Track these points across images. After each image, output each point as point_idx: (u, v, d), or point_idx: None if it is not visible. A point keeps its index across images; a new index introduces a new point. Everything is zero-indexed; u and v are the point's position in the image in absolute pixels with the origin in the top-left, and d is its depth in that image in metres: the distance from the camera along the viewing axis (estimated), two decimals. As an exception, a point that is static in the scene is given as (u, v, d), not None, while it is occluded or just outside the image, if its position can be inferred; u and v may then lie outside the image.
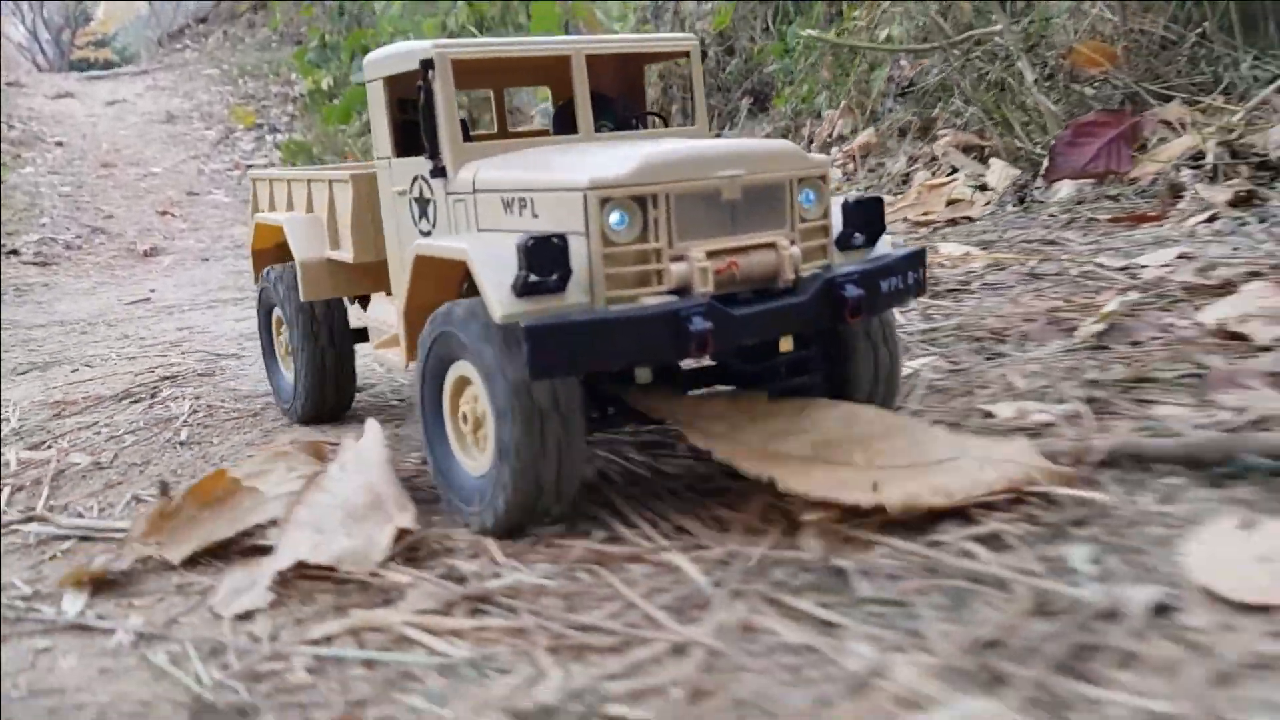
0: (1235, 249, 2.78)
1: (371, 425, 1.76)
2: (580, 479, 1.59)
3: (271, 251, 2.53)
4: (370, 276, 2.21)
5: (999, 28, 4.37)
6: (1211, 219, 3.17)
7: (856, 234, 1.72)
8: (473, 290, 1.63)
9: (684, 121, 5.47)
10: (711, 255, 1.53)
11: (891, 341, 1.83)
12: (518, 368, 1.49)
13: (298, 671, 1.21)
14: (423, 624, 1.29)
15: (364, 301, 2.46)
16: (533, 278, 1.45)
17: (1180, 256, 2.77)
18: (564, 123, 1.98)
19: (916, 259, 1.72)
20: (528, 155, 1.75)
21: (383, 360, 2.10)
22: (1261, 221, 3.06)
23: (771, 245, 1.58)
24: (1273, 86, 3.62)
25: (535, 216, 1.60)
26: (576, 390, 1.55)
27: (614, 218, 1.49)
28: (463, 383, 1.64)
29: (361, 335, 2.40)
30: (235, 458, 2.16)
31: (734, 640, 1.19)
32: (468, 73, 1.86)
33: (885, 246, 1.75)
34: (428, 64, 1.75)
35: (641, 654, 1.18)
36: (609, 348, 1.44)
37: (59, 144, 10.13)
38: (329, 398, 2.38)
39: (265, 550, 1.52)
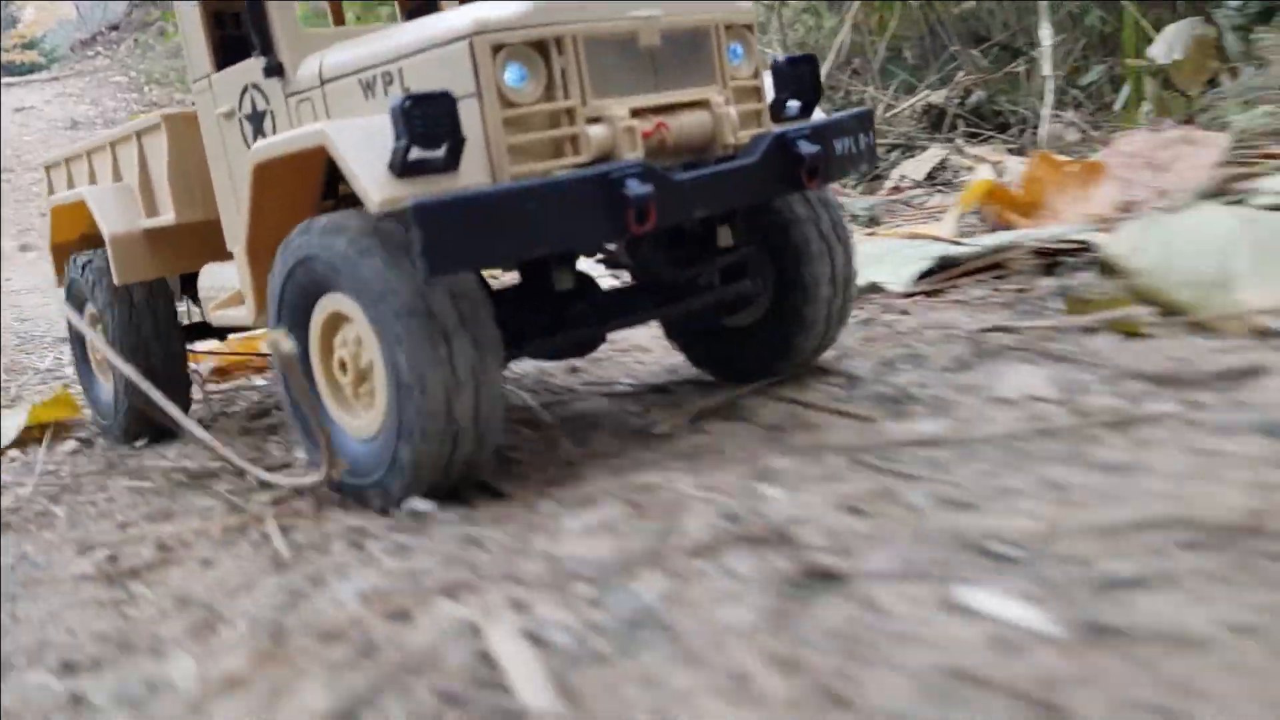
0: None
1: None
2: (502, 421, 1.25)
3: (76, 245, 2.09)
4: (199, 244, 1.78)
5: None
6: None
7: (791, 101, 1.44)
8: (341, 204, 1.30)
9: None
10: (635, 115, 1.23)
11: (844, 234, 1.54)
12: (408, 278, 1.15)
13: None
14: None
15: (193, 295, 1.99)
16: (415, 152, 1.12)
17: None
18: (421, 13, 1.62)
19: (866, 120, 1.45)
20: (386, 31, 1.41)
21: (225, 321, 1.69)
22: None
23: (704, 104, 1.30)
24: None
25: (407, 90, 1.25)
26: (486, 302, 1.22)
27: (511, 72, 1.18)
28: (336, 321, 1.29)
29: (195, 331, 2.00)
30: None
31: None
32: None
33: (821, 117, 1.47)
34: None
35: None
36: (525, 227, 1.12)
37: (-38, 152, 9.86)
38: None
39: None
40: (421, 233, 1.07)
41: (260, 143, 1.38)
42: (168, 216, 1.77)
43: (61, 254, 2.13)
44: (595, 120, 1.22)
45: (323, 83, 1.38)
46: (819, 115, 1.48)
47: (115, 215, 1.84)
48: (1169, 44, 3.49)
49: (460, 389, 1.17)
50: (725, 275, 1.55)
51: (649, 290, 1.53)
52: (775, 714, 0.73)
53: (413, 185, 1.14)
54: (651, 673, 0.80)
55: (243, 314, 1.58)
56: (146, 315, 1.89)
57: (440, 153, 1.13)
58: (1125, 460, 1.09)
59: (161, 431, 1.92)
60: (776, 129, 1.36)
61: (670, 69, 1.29)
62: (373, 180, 1.14)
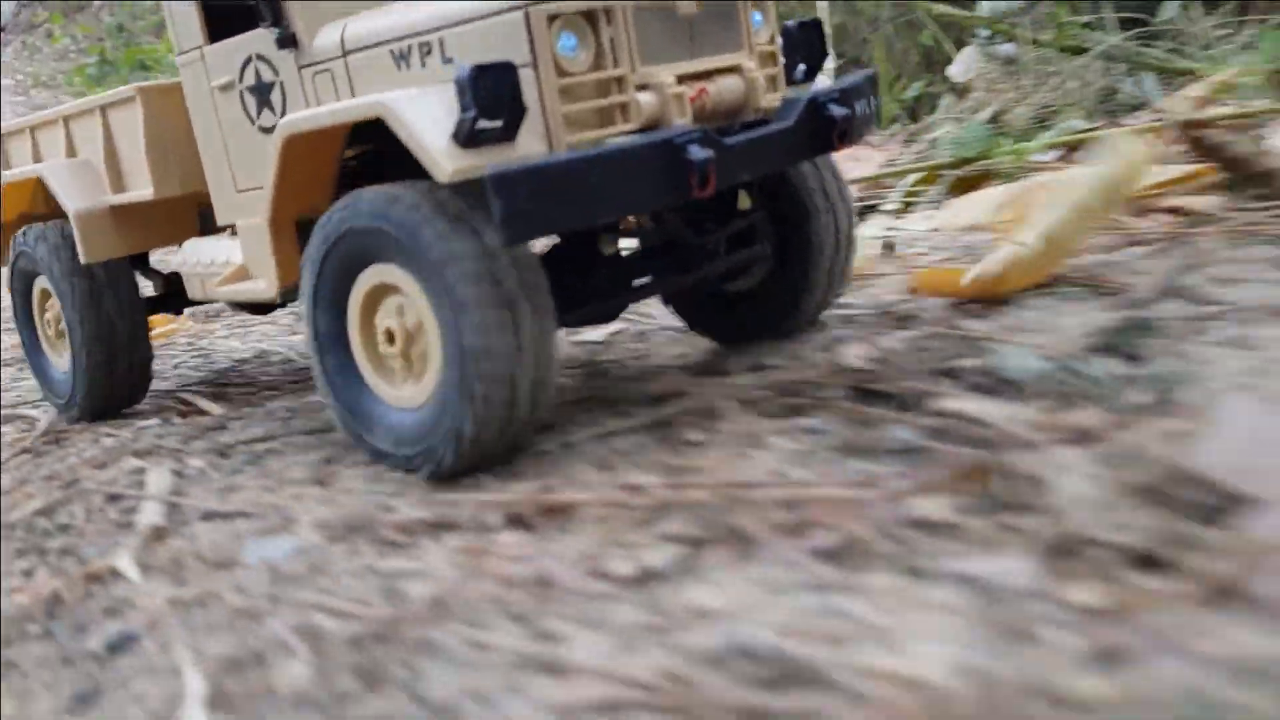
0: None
1: None
2: (554, 390, 1.28)
3: (15, 225, 2.02)
4: (173, 219, 1.77)
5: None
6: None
7: (800, 65, 1.50)
8: (355, 183, 1.32)
9: None
10: (679, 82, 1.29)
11: (846, 194, 1.57)
12: (472, 245, 1.17)
13: None
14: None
15: (143, 268, 1.98)
16: (482, 122, 1.15)
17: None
18: None
19: (874, 83, 1.49)
20: (412, 2, 1.37)
21: (236, 295, 1.62)
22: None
23: (736, 69, 1.35)
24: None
25: (448, 62, 1.23)
26: (542, 269, 1.25)
27: (564, 41, 1.20)
28: (380, 293, 1.29)
29: (157, 304, 1.96)
30: None
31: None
32: None
33: (825, 80, 1.54)
34: None
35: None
36: (595, 193, 1.15)
37: None
38: (121, 382, 1.86)
39: None
40: (500, 201, 1.11)
41: (297, 114, 1.37)
42: (144, 191, 1.72)
43: (3, 232, 2.08)
44: (643, 88, 1.26)
45: (345, 53, 1.36)
46: (822, 79, 1.54)
47: (79, 192, 1.79)
48: (965, 64, 3.97)
49: (522, 354, 1.20)
50: (733, 240, 1.59)
51: (663, 257, 1.57)
52: (289, 491, 1.31)
53: (479, 155, 1.17)
54: (235, 483, 1.40)
55: (261, 287, 1.53)
56: (109, 289, 1.83)
57: (498, 123, 1.16)
58: (632, 361, 1.64)
59: (128, 402, 1.92)
60: (807, 92, 1.41)
61: (705, 36, 1.34)
62: (441, 151, 1.16)
